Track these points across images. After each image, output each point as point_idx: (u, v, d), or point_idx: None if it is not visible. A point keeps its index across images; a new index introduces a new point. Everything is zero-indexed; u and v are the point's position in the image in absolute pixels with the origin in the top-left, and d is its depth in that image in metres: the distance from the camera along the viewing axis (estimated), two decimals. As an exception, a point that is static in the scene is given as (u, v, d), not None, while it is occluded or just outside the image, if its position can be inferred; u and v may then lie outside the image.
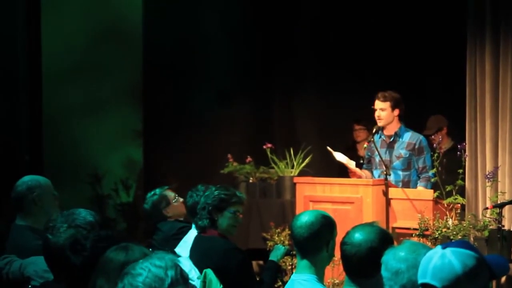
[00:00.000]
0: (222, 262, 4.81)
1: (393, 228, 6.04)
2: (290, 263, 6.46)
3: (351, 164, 6.66)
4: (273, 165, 8.13)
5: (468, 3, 6.79)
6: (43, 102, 8.93)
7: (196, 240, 5.07)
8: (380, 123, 6.64)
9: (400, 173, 6.63)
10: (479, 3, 6.68)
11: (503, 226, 5.70)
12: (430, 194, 6.04)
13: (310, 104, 9.51)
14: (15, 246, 4.66)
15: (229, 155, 8.32)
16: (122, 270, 2.61)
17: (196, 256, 4.94)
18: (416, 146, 6.63)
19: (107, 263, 3.05)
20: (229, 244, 4.96)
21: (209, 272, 4.75)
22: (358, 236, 3.48)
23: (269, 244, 7.08)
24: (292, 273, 4.18)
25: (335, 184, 6.36)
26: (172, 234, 5.92)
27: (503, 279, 5.42)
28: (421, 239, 5.62)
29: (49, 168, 8.45)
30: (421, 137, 6.73)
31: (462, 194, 6.29)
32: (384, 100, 6.61)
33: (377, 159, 6.65)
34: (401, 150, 6.65)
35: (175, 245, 5.50)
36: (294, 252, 4.38)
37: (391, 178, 6.41)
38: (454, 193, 5.94)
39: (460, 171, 5.99)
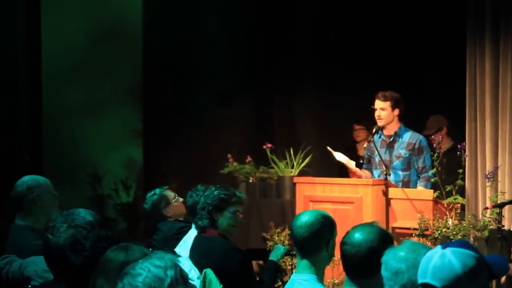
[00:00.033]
0: (222, 262, 4.81)
1: (393, 228, 6.04)
2: (290, 263, 6.45)
3: (351, 164, 6.66)
4: (273, 165, 8.13)
5: (468, 3, 6.79)
6: (43, 102, 8.93)
7: (196, 240, 5.07)
8: (380, 123, 6.64)
9: (400, 173, 6.63)
10: (479, 3, 6.68)
11: (503, 226, 5.70)
12: (430, 194, 6.04)
13: (310, 104, 9.51)
14: (15, 246, 4.66)
15: (229, 155, 8.33)
16: (122, 270, 2.61)
17: (196, 256, 4.94)
18: (416, 146, 6.63)
19: (107, 263, 3.05)
20: (229, 244, 4.96)
21: (209, 272, 4.75)
22: (358, 236, 3.47)
23: (269, 244, 7.08)
24: (292, 273, 4.18)
25: (335, 184, 6.35)
26: (172, 234, 5.92)
27: (503, 279, 5.42)
28: (421, 239, 5.62)
29: (49, 168, 8.46)
30: (421, 137, 6.73)
31: (462, 194, 6.29)
32: (385, 100, 6.61)
33: (377, 159, 6.65)
34: (401, 150, 6.65)
35: (175, 245, 5.50)
36: (294, 252, 4.38)
37: (391, 178, 6.40)
38: (454, 193, 5.94)
39: (460, 171, 5.99)
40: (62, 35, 8.96)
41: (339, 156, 6.61)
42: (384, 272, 3.07)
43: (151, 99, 9.32)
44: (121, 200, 9.29)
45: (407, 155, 6.62)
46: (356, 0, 9.02)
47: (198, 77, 9.27)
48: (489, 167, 6.50)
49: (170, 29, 9.07)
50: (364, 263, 3.42)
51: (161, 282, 2.51)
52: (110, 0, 9.41)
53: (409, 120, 6.88)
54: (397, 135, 6.69)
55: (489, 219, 5.78)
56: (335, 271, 5.41)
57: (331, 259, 4.01)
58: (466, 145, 6.51)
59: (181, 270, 2.57)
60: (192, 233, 5.33)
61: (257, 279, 5.09)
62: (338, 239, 3.68)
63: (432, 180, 6.23)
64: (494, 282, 5.35)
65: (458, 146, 6.14)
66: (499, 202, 5.84)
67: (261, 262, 7.59)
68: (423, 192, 6.27)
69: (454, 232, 5.60)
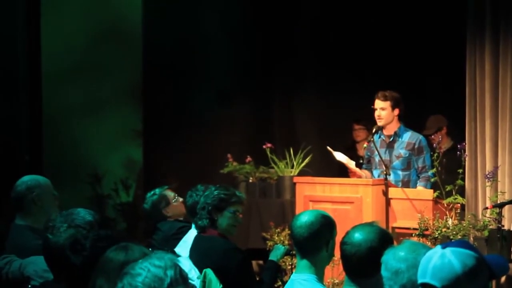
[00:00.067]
0: (222, 262, 4.81)
1: (393, 228, 6.04)
2: (290, 263, 6.46)
3: (351, 163, 6.66)
4: (273, 165, 8.12)
5: (468, 3, 6.79)
6: (43, 102, 8.93)
7: (196, 240, 5.07)
8: (380, 123, 6.64)
9: (400, 173, 6.63)
10: (479, 3, 6.68)
11: (503, 226, 5.70)
12: (430, 194, 6.03)
13: (310, 104, 9.51)
14: (15, 245, 4.66)
15: (228, 155, 8.33)
16: (122, 270, 2.61)
17: (196, 256, 4.94)
18: (416, 146, 6.63)
19: (107, 262, 3.05)
20: (229, 244, 4.96)
21: (209, 272, 4.75)
22: (358, 236, 3.47)
23: (269, 244, 7.08)
24: (292, 273, 4.18)
25: (335, 184, 6.35)
26: (171, 234, 5.92)
27: (503, 279, 5.41)
28: (421, 239, 5.62)
29: (49, 168, 8.46)
30: (420, 136, 6.73)
31: (462, 194, 6.29)
32: (385, 100, 6.61)
33: (377, 159, 6.65)
34: (400, 150, 6.65)
35: (175, 245, 5.50)
36: (294, 252, 4.38)
37: (391, 178, 6.40)
38: (454, 193, 5.94)
39: (460, 171, 5.99)
40: (62, 35, 8.97)
41: (339, 156, 6.61)
42: (384, 272, 3.07)
43: (151, 99, 9.32)
44: (121, 200, 9.30)
45: (407, 155, 6.62)
46: (356, 0, 9.01)
47: (198, 77, 9.27)
48: (489, 167, 6.50)
49: (170, 29, 9.07)
50: (364, 263, 3.42)
51: (161, 282, 2.51)
52: (110, 0, 9.41)
53: (409, 120, 6.88)
54: (397, 135, 6.69)
55: (489, 219, 5.78)
56: (335, 271, 5.41)
57: (331, 259, 4.01)
58: (466, 145, 6.51)
59: (180, 270, 2.57)
60: (192, 233, 5.33)
61: (257, 279, 5.09)
62: (338, 239, 3.68)
63: (432, 180, 6.23)
64: (494, 282, 5.34)
65: (458, 146, 6.14)
66: (499, 202, 5.84)
67: (261, 262, 7.59)
68: (423, 192, 6.27)
69: (454, 232, 5.60)
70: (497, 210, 5.70)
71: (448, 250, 2.71)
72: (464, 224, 5.73)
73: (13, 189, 4.88)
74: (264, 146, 8.05)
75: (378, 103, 6.64)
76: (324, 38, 9.35)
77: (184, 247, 5.30)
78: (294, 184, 6.68)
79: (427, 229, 5.71)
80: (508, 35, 6.51)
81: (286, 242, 6.84)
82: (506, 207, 6.00)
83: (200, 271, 4.79)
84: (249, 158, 8.28)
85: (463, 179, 6.14)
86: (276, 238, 7.16)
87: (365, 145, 6.75)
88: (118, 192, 9.27)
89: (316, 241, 3.91)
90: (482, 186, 6.51)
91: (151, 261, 2.55)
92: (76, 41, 9.04)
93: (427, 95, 8.85)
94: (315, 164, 8.10)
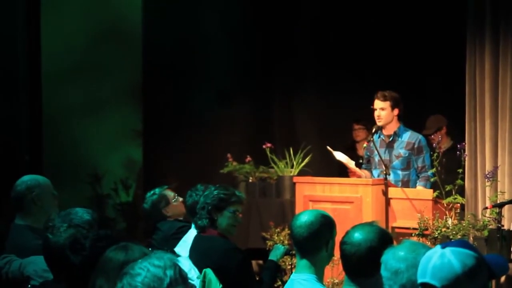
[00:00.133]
0: (221, 261, 4.81)
1: (393, 228, 6.04)
2: (290, 263, 6.46)
3: (351, 163, 6.66)
4: (272, 164, 8.12)
5: (468, 3, 6.79)
6: (43, 102, 8.94)
7: (196, 240, 5.07)
8: (379, 123, 6.64)
9: (400, 172, 6.63)
10: (479, 3, 6.69)
11: (503, 225, 5.70)
12: (429, 193, 6.03)
13: (310, 104, 9.51)
14: (15, 245, 4.67)
15: (228, 155, 8.33)
16: (122, 270, 2.60)
17: (196, 255, 4.94)
18: (415, 146, 6.63)
19: (106, 262, 3.05)
20: (228, 244, 4.96)
21: (209, 271, 4.75)
22: (357, 235, 3.47)
23: (269, 243, 7.08)
24: (292, 272, 4.18)
25: (334, 184, 6.35)
26: (171, 233, 5.92)
27: (503, 278, 5.41)
28: (421, 239, 5.61)
29: (49, 168, 8.46)
30: (420, 136, 6.73)
31: (462, 194, 6.29)
32: (384, 100, 6.61)
33: (377, 158, 6.65)
34: (400, 149, 6.65)
35: (175, 245, 5.50)
36: (293, 252, 4.38)
37: (391, 177, 6.40)
38: (453, 192, 5.94)
39: (460, 170, 5.98)
40: (62, 35, 8.97)
41: (339, 156, 6.61)
42: (383, 272, 3.07)
43: (151, 99, 9.32)
44: (121, 200, 9.30)
45: (407, 155, 6.62)
46: (356, 0, 9.01)
47: (198, 77, 9.27)
48: (488, 167, 6.50)
49: (170, 29, 9.07)
50: (364, 262, 3.42)
51: (160, 282, 2.50)
52: (110, 0, 9.42)
53: (409, 120, 6.88)
54: (396, 135, 6.69)
55: (489, 218, 5.77)
56: (334, 270, 5.41)
57: (331, 258, 4.01)
58: (466, 145, 6.51)
59: (180, 269, 2.57)
60: (192, 232, 5.33)
61: (257, 278, 5.09)
62: (338, 238, 3.68)
63: (432, 179, 6.23)
64: (493, 282, 5.34)
65: (458, 145, 6.13)
66: (498, 201, 5.83)
67: (260, 261, 7.60)
68: (422, 191, 6.26)
69: (454, 232, 5.60)
70: (497, 210, 5.70)
71: (447, 250, 2.71)
72: (464, 224, 5.73)
73: (13, 189, 4.89)
74: (264, 146, 8.05)
75: (378, 103, 6.64)
76: (324, 38, 9.35)
77: (183, 247, 5.31)
78: (294, 184, 6.68)
79: (426, 229, 5.71)
80: (508, 35, 6.52)
81: (286, 242, 6.84)
82: (506, 207, 6.00)
83: (200, 271, 4.79)
84: (249, 158, 8.28)
85: (463, 179, 6.14)
86: (276, 238, 7.16)
87: (364, 145, 6.75)
88: (118, 192, 9.27)
89: (316, 241, 3.91)
90: (482, 186, 6.51)
91: (150, 261, 2.54)
92: (76, 41, 9.04)
93: (427, 95, 8.85)
94: (315, 164, 8.10)
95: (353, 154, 7.76)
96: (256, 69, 9.64)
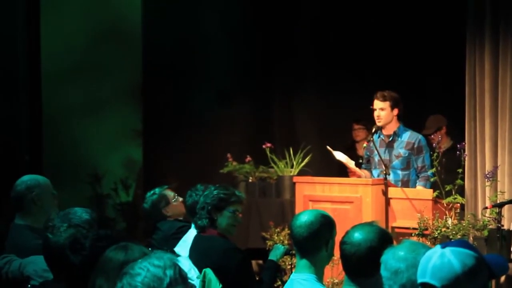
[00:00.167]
0: (221, 261, 4.81)
1: (393, 228, 6.03)
2: (290, 263, 6.46)
3: (350, 163, 6.66)
4: (272, 164, 8.12)
5: (468, 3, 6.79)
6: (43, 102, 8.94)
7: (196, 240, 5.07)
8: (379, 123, 6.63)
9: (399, 172, 6.63)
10: (479, 3, 6.69)
11: (503, 225, 5.70)
12: (429, 193, 6.03)
13: (310, 104, 9.51)
14: (15, 245, 4.67)
15: (228, 155, 8.33)
16: (122, 270, 2.60)
17: (196, 255, 4.94)
18: (415, 146, 6.63)
19: (106, 262, 3.05)
20: (228, 244, 4.96)
21: (209, 271, 4.75)
22: (357, 235, 3.47)
23: (269, 243, 7.08)
24: (292, 272, 4.18)
25: (334, 184, 6.35)
26: (171, 233, 5.92)
27: (502, 278, 5.41)
28: (421, 239, 5.61)
29: (48, 168, 8.46)
30: (420, 136, 6.73)
31: (462, 194, 6.29)
32: (384, 100, 6.61)
33: (376, 158, 6.65)
34: (400, 149, 6.65)
35: (175, 245, 5.50)
36: (293, 252, 4.38)
37: (390, 177, 6.40)
38: (453, 192, 5.94)
39: (460, 170, 5.98)
40: (62, 35, 8.97)
41: (339, 155, 6.61)
42: (383, 272, 3.07)
43: (151, 99, 9.32)
44: (121, 199, 9.30)
45: (407, 155, 6.62)
46: (356, 0, 9.01)
47: (198, 77, 9.27)
48: (488, 167, 6.51)
49: (170, 29, 9.07)
50: (364, 262, 3.42)
51: (160, 281, 2.50)
52: (110, 0, 9.42)
53: (409, 120, 6.88)
54: (396, 135, 6.69)
55: (489, 218, 5.77)
56: (334, 270, 5.42)
57: (331, 258, 4.01)
58: (466, 145, 6.51)
59: (180, 269, 2.56)
60: (192, 232, 5.33)
61: (257, 278, 5.09)
62: (338, 238, 3.68)
63: (432, 179, 6.23)
64: (493, 282, 5.34)
65: (458, 145, 6.13)
66: (498, 201, 5.83)
67: (260, 261, 7.60)
68: (422, 191, 6.26)
69: (454, 232, 5.60)
70: (497, 209, 5.70)
71: (447, 250, 2.71)
72: (464, 224, 5.73)
73: (12, 189, 4.89)
74: (263, 146, 8.05)
75: (377, 104, 6.64)
76: (324, 38, 9.35)
77: (183, 246, 5.31)
78: (294, 183, 6.68)
79: (426, 229, 5.71)
80: (508, 35, 6.52)
81: (286, 241, 6.84)
82: (506, 206, 6.00)
83: (200, 271, 4.79)
84: (248, 158, 8.28)
85: (463, 179, 6.14)
86: (276, 237, 7.16)
87: (364, 144, 6.75)
88: (117, 192, 9.27)
89: (315, 240, 3.91)
90: (482, 185, 6.51)
91: (150, 261, 2.54)
92: (76, 41, 9.04)
93: (427, 95, 8.85)
94: (315, 163, 8.10)
95: (353, 154, 7.76)
96: (256, 69, 9.64)
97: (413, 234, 5.72)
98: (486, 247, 5.56)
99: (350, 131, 8.95)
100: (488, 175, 6.12)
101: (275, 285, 5.97)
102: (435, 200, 5.99)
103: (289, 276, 4.24)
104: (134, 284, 2.49)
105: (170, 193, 6.15)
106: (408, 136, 6.67)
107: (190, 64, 9.22)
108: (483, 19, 6.65)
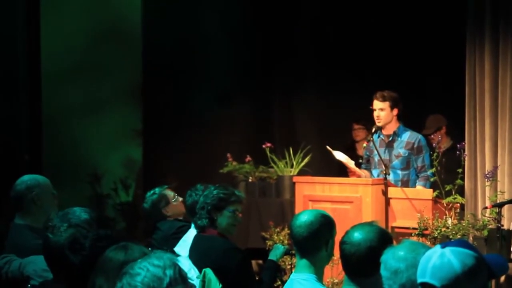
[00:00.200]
0: (221, 261, 4.81)
1: (392, 228, 6.04)
2: (290, 263, 6.46)
3: (350, 163, 6.66)
4: (272, 164, 8.12)
5: (468, 3, 6.80)
6: (43, 102, 8.93)
7: (196, 240, 5.07)
8: (379, 123, 6.64)
9: (399, 172, 6.63)
10: (479, 3, 6.69)
11: (502, 225, 5.70)
12: (429, 193, 6.03)
13: (310, 104, 9.51)
14: (14, 245, 4.67)
15: (228, 155, 8.33)
16: (122, 270, 2.60)
17: (196, 255, 4.94)
18: (415, 145, 6.63)
19: (106, 262, 3.05)
20: (228, 244, 4.96)
21: (209, 271, 4.75)
22: (357, 235, 3.47)
23: (269, 243, 7.09)
24: (292, 272, 4.18)
25: (334, 184, 6.36)
26: (171, 233, 5.92)
27: (502, 278, 5.41)
28: (421, 239, 5.61)
29: (48, 168, 8.46)
30: (420, 136, 6.73)
31: (462, 194, 6.29)
32: (383, 100, 6.62)
33: (376, 158, 6.65)
34: (400, 149, 6.65)
35: (174, 244, 5.50)
36: (293, 252, 4.38)
37: (390, 177, 6.40)
38: (453, 192, 5.94)
39: (460, 170, 5.98)
40: (62, 35, 8.96)
41: (339, 155, 6.61)
42: (383, 272, 3.06)
43: (151, 99, 9.32)
44: (121, 199, 9.30)
45: (406, 155, 6.62)
46: (356, 0, 9.01)
47: (198, 77, 9.27)
48: (488, 167, 6.51)
49: (170, 29, 9.07)
50: (364, 262, 3.42)
51: (160, 281, 2.50)
52: (110, 0, 9.41)
53: (409, 120, 6.88)
54: (396, 135, 6.69)
55: (489, 218, 5.78)
56: (334, 270, 5.42)
57: (331, 258, 4.01)
58: (466, 145, 6.51)
59: (180, 269, 2.56)
60: (192, 232, 5.33)
61: (257, 278, 5.09)
62: (338, 238, 3.68)
63: (432, 179, 6.23)
64: (493, 282, 5.35)
65: (458, 145, 6.14)
66: (498, 201, 5.84)
67: (260, 261, 7.60)
68: (422, 191, 6.26)
69: (454, 232, 5.60)
70: (497, 209, 5.70)
71: (447, 250, 2.71)
72: (464, 224, 5.73)
73: (12, 189, 4.89)
74: (263, 146, 8.05)
75: (377, 104, 6.64)
76: (324, 38, 9.35)
77: (183, 246, 5.31)
78: (294, 183, 6.68)
79: (426, 229, 5.71)
80: (508, 35, 6.52)
81: (286, 241, 6.84)
82: (506, 206, 6.00)
83: (200, 271, 4.79)
84: (248, 158, 8.28)
85: (463, 179, 6.14)
86: (276, 237, 7.16)
87: (364, 144, 6.75)
88: (117, 191, 9.27)
89: (315, 240, 3.91)
90: (482, 185, 6.51)
91: (150, 261, 2.54)
92: (76, 41, 9.03)
93: (427, 95, 8.85)
94: (315, 163, 8.10)
95: (352, 154, 7.76)
96: (256, 69, 9.64)
97: (413, 234, 5.72)
98: (486, 247, 5.56)
99: (350, 131, 8.95)
100: (488, 175, 6.12)
101: (275, 285, 5.96)
102: (435, 200, 5.99)
103: (289, 276, 4.24)
104: (134, 284, 2.49)
105: (170, 193, 6.15)
106: (408, 136, 6.67)
107: (190, 64, 9.22)
108: (483, 19, 6.65)
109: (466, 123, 6.78)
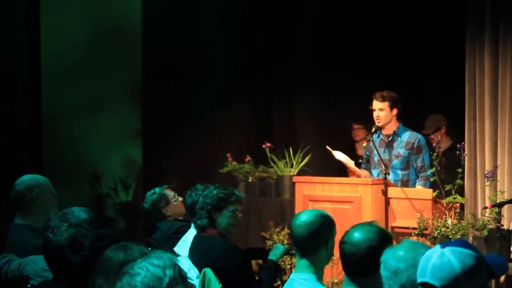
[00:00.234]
0: (221, 261, 4.81)
1: (392, 227, 6.04)
2: (289, 262, 6.46)
3: (350, 163, 6.66)
4: (272, 164, 8.12)
5: (468, 3, 6.80)
6: (43, 102, 8.93)
7: (196, 240, 5.07)
8: (379, 123, 6.64)
9: (399, 172, 6.63)
10: (479, 3, 6.70)
11: (502, 225, 5.70)
12: (429, 193, 6.03)
13: (310, 104, 9.51)
14: (14, 245, 4.67)
15: (228, 154, 8.33)
16: (121, 269, 2.60)
17: (195, 255, 4.94)
18: (415, 145, 6.63)
19: (106, 262, 3.05)
20: (228, 244, 4.96)
21: (208, 271, 4.75)
22: (357, 235, 3.48)
23: (268, 243, 7.09)
24: (291, 272, 4.18)
25: (334, 184, 6.36)
26: (171, 233, 5.92)
27: (502, 278, 5.41)
28: (420, 238, 5.61)
29: (48, 168, 8.46)
30: (419, 136, 6.73)
31: (461, 194, 6.29)
32: (383, 100, 6.62)
33: (376, 158, 6.65)
34: (400, 149, 6.65)
35: (174, 244, 5.51)
36: (293, 251, 4.38)
37: (390, 177, 6.41)
38: (453, 192, 5.94)
39: (459, 170, 5.99)
40: (62, 35, 8.96)
41: (339, 155, 6.61)
42: (383, 272, 3.06)
43: (151, 99, 9.32)
44: (120, 199, 9.30)
45: (406, 154, 6.62)
46: (356, 0, 9.01)
47: (198, 77, 9.27)
48: (488, 167, 6.51)
49: (170, 29, 9.06)
50: (363, 262, 3.43)
51: (160, 281, 2.50)
52: (110, 0, 9.41)
53: (409, 119, 6.88)
54: (396, 135, 6.69)
55: (488, 218, 5.78)
56: (334, 270, 5.43)
57: (330, 258, 4.01)
58: (466, 145, 6.52)
59: (180, 269, 2.56)
60: (191, 232, 5.33)
61: (256, 278, 5.09)
62: (337, 238, 3.68)
63: (431, 179, 6.23)
64: (493, 282, 5.35)
65: (457, 145, 6.14)
66: (498, 201, 5.84)
67: (260, 261, 7.60)
68: (422, 191, 6.27)
69: (453, 232, 5.60)
70: (496, 209, 5.70)
71: (447, 250, 2.71)
72: (464, 224, 5.74)
73: (12, 189, 4.89)
74: (263, 146, 8.05)
75: (376, 104, 6.64)
76: (324, 38, 9.35)
77: (183, 246, 5.31)
78: (294, 183, 6.68)
79: (426, 229, 5.71)
80: (508, 35, 6.53)
81: (286, 241, 6.84)
82: (505, 206, 6.00)
83: (200, 271, 4.79)
84: (248, 158, 8.28)
85: (463, 179, 6.14)
86: (276, 237, 7.16)
87: (364, 144, 6.75)
88: (117, 191, 9.27)
89: (315, 240, 3.91)
90: (482, 185, 6.51)
91: (150, 261, 2.54)
92: (76, 41, 9.03)
93: (427, 95, 8.85)
94: (315, 163, 8.10)
95: (352, 154, 7.77)
96: (256, 69, 9.63)
97: (412, 234, 5.72)
98: (486, 247, 5.56)
99: (350, 131, 8.95)
100: (487, 175, 6.12)
101: (275, 284, 5.96)
102: (435, 200, 5.99)
103: (288, 276, 4.24)
104: (134, 283, 2.49)
105: (170, 193, 6.16)
106: (407, 135, 6.67)
107: (190, 64, 9.22)
108: (483, 19, 6.66)
109: (466, 123, 6.78)
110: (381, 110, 6.62)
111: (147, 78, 9.34)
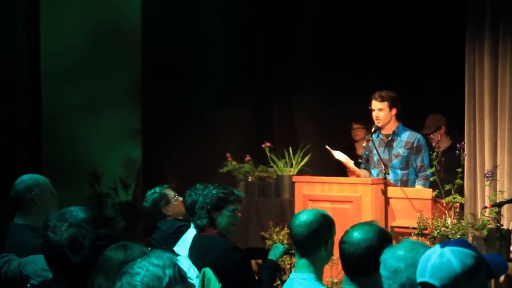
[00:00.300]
0: (221, 261, 4.81)
1: (392, 227, 6.03)
2: (289, 262, 6.46)
3: (350, 162, 6.66)
4: (272, 164, 8.13)
5: (468, 3, 6.80)
6: (43, 102, 8.93)
7: (195, 239, 5.07)
8: (378, 124, 6.63)
9: (399, 172, 6.63)
10: (479, 3, 6.70)
11: (502, 225, 5.70)
12: (429, 193, 6.03)
13: (310, 104, 9.51)
14: (14, 244, 4.67)
15: (228, 154, 8.33)
16: (121, 269, 2.60)
17: (195, 255, 4.94)
18: (414, 145, 6.63)
19: (106, 261, 3.05)
20: (228, 243, 4.96)
21: (208, 271, 4.75)
22: (357, 235, 3.48)
23: (268, 243, 7.09)
24: (291, 272, 4.18)
25: (334, 183, 6.36)
26: (171, 232, 5.93)
27: (502, 278, 5.41)
28: (420, 238, 5.61)
29: (48, 168, 8.46)
30: (419, 136, 6.73)
31: (461, 193, 6.29)
32: (382, 100, 6.62)
33: (375, 158, 6.65)
34: (399, 149, 6.65)
35: (174, 244, 5.51)
36: (293, 251, 4.38)
37: (390, 177, 6.40)
38: (453, 192, 5.94)
39: (459, 170, 5.98)
40: (62, 35, 8.96)
41: (338, 155, 6.61)
42: (382, 271, 3.06)
43: (150, 99, 9.32)
44: (120, 199, 9.31)
45: (406, 154, 6.62)
46: (356, 0, 9.02)
47: (198, 77, 9.27)
48: (488, 166, 6.51)
49: (170, 29, 9.07)
50: (363, 262, 3.43)
51: (160, 281, 2.50)
52: (110, 0, 9.42)
53: (409, 119, 6.88)
54: (395, 134, 6.69)
55: (488, 218, 5.77)
56: (334, 270, 5.43)
57: (330, 258, 4.01)
58: (465, 144, 6.52)
59: (179, 269, 2.56)
60: (191, 232, 5.33)
61: (256, 278, 5.09)
62: (337, 238, 3.68)
63: (431, 179, 6.23)
64: (493, 281, 5.35)
65: (457, 145, 6.14)
66: (498, 201, 5.84)
67: (260, 261, 7.60)
68: (422, 191, 6.27)
69: (453, 231, 5.60)
70: (496, 209, 5.70)
71: (447, 249, 2.71)
72: (463, 223, 5.73)
73: (12, 188, 4.89)
74: (263, 145, 8.05)
75: (375, 104, 6.64)
76: (324, 38, 9.35)
77: (183, 246, 5.31)
78: (293, 183, 6.68)
79: (426, 228, 5.71)
80: (508, 35, 6.53)
81: (285, 241, 6.84)
82: (505, 206, 6.00)
83: (199, 270, 4.79)
84: (248, 158, 8.28)
85: (462, 178, 6.14)
86: (275, 237, 7.17)
87: (364, 144, 6.75)
88: (117, 191, 9.28)
89: (315, 240, 3.91)
90: (481, 185, 6.51)
91: (149, 260, 2.54)
92: (76, 41, 9.04)
93: (427, 95, 8.85)
94: (314, 163, 8.11)
95: (352, 154, 7.77)
96: (256, 69, 9.64)
97: (412, 234, 5.72)
98: (486, 247, 5.56)
99: (350, 130, 8.95)
100: (487, 175, 6.12)
101: (275, 284, 5.96)
102: (435, 200, 5.99)
103: (288, 276, 4.24)
104: (134, 283, 2.49)
105: (170, 192, 6.16)
106: (407, 135, 6.67)
107: (190, 64, 9.22)
108: (483, 19, 6.66)
109: (466, 123, 6.78)
110: (380, 110, 6.62)
111: (147, 78, 9.35)
